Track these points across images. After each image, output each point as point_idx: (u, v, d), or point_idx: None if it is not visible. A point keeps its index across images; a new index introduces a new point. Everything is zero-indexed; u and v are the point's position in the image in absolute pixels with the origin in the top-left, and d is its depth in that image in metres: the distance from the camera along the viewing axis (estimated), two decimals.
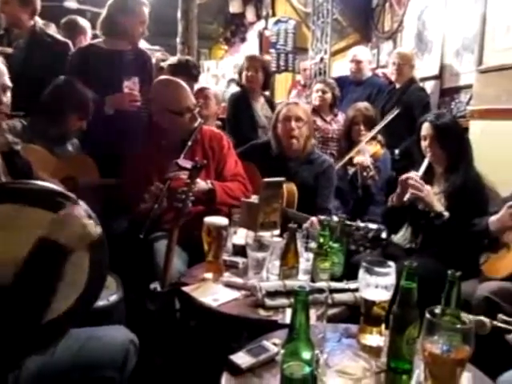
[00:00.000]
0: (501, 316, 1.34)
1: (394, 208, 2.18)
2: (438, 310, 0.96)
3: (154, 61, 3.06)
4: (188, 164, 1.79)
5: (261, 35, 6.53)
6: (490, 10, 2.78)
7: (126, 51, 2.54)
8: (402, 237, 2.32)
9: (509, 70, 2.60)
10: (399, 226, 2.32)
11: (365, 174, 2.67)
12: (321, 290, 1.15)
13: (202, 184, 2.12)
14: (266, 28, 6.55)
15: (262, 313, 1.41)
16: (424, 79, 3.72)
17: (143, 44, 3.25)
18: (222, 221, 1.67)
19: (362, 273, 1.20)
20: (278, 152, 2.57)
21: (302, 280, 1.59)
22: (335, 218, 1.80)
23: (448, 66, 3.56)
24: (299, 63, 5.73)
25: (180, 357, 1.79)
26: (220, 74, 9.15)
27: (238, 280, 1.62)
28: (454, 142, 2.15)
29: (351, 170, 2.82)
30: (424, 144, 2.18)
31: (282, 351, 0.92)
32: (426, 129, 2.18)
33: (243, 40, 8.14)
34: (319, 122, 3.52)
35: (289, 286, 1.45)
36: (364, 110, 2.93)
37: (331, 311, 1.45)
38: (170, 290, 1.64)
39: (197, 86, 3.23)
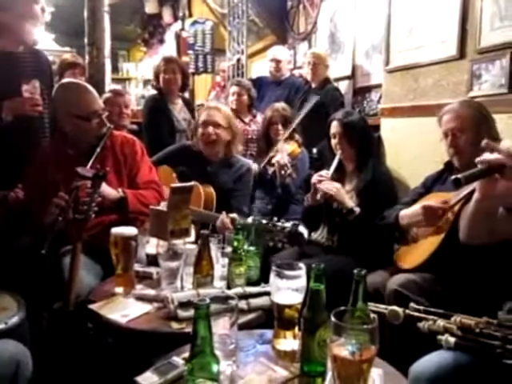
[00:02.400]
0: (412, 305, 1.38)
1: (311, 207, 2.21)
2: (345, 311, 0.95)
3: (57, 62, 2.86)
4: (89, 173, 1.68)
5: (178, 36, 6.41)
6: (394, 13, 2.90)
7: (18, 53, 2.33)
8: (319, 235, 2.35)
9: (412, 69, 2.73)
10: (317, 224, 2.35)
11: (282, 172, 2.68)
12: (229, 298, 1.10)
13: (111, 192, 2.02)
14: (182, 29, 6.44)
15: (175, 325, 1.34)
16: (338, 79, 3.82)
17: (52, 45, 3.03)
18: (129, 231, 1.58)
19: (272, 277, 1.18)
20: (198, 155, 2.52)
21: (217, 287, 1.54)
22: (249, 220, 1.78)
23: (359, 66, 3.69)
24: (219, 64, 5.70)
25: (97, 376, 1.68)
26: (139, 77, 8.91)
27: (151, 292, 1.54)
28: (361, 139, 2.22)
29: (271, 170, 2.82)
30: (333, 142, 2.23)
31: (185, 368, 0.86)
32: (334, 127, 2.23)
33: (161, 41, 7.95)
34: (238, 123, 3.50)
35: (203, 294, 1.39)
36: (281, 110, 2.96)
37: (247, 317, 1.43)
38: (76, 309, 1.52)
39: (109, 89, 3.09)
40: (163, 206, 1.64)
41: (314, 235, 2.38)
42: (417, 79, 2.71)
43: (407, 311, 1.35)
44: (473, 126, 1.80)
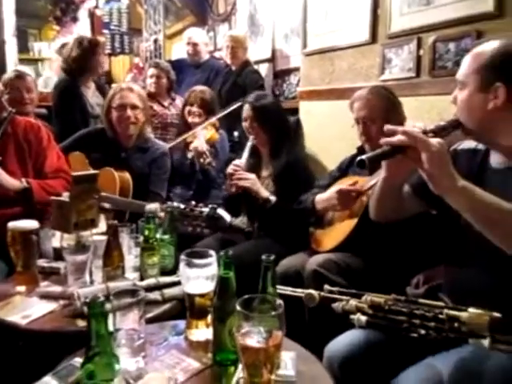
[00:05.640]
0: (326, 287, 1.39)
1: (230, 196, 2.20)
2: (253, 298, 0.92)
3: None
4: None
5: (92, 15, 6.04)
6: None
7: None
8: (241, 221, 2.34)
9: (328, 52, 2.76)
10: (238, 211, 2.34)
11: (201, 160, 2.62)
12: (133, 291, 1.04)
13: (13, 183, 1.86)
14: (96, 7, 6.07)
15: (82, 323, 1.25)
16: (258, 62, 3.80)
17: None
18: (29, 224, 1.45)
19: (182, 266, 1.13)
20: (112, 140, 2.40)
21: (129, 279, 1.47)
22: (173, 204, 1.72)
23: (279, 49, 3.68)
24: (137, 45, 5.46)
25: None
26: (54, 57, 8.31)
27: (57, 289, 1.43)
28: (274, 123, 2.21)
29: (190, 154, 2.75)
30: (245, 125, 2.21)
31: (81, 373, 0.79)
32: (246, 110, 2.21)
33: (75, 20, 7.44)
34: (157, 107, 3.39)
35: (112, 288, 1.31)
36: (200, 94, 2.87)
37: (162, 308, 1.37)
38: None
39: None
40: (66, 197, 1.52)
41: (235, 221, 2.36)
42: (333, 62, 2.75)
43: (322, 293, 1.37)
44: (382, 115, 1.85)
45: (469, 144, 1.30)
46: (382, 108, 1.87)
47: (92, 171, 1.65)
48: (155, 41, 4.43)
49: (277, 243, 2.07)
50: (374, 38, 2.46)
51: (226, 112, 2.90)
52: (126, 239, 1.57)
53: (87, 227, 1.50)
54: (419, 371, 1.04)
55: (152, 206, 1.78)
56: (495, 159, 1.21)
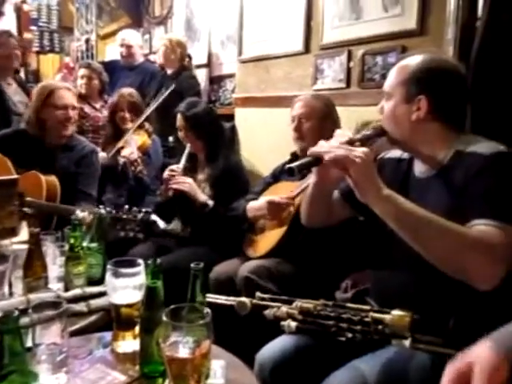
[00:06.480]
0: (258, 294, 1.40)
1: (163, 201, 2.17)
2: (181, 308, 0.90)
3: None
4: None
5: (19, 9, 5.70)
6: (246, 4, 2.95)
7: None
8: (174, 226, 2.30)
9: (264, 60, 2.80)
10: (171, 217, 2.30)
11: (133, 168, 2.55)
12: (56, 303, 0.98)
13: None
14: (24, 1, 5.74)
15: None
16: (195, 67, 3.77)
17: None
18: None
19: (108, 276, 1.09)
20: (35, 140, 2.28)
21: (53, 290, 1.39)
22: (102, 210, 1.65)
23: (215, 54, 3.68)
24: (69, 44, 5.23)
25: None
26: None
27: None
28: (208, 130, 2.21)
29: (122, 160, 2.66)
30: (180, 134, 2.20)
31: None
32: (179, 120, 2.20)
33: (0, 14, 7.01)
34: (88, 109, 3.27)
35: (33, 300, 1.24)
36: (128, 97, 2.79)
37: (87, 320, 1.31)
38: None
39: None
40: None
41: (169, 226, 2.32)
42: (268, 70, 2.79)
43: (254, 301, 1.37)
44: (318, 117, 1.93)
45: (395, 153, 1.37)
46: (320, 111, 1.95)
47: (11, 176, 1.54)
48: (87, 40, 4.27)
49: (211, 250, 2.06)
50: (307, 48, 2.53)
51: (152, 109, 2.85)
52: (50, 248, 1.49)
53: (6, 236, 1.40)
54: (344, 374, 1.07)
55: (80, 213, 1.71)
56: (418, 168, 1.27)
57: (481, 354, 0.73)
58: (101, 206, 1.77)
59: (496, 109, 1.56)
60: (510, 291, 1.03)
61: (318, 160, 1.07)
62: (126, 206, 1.73)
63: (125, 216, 1.69)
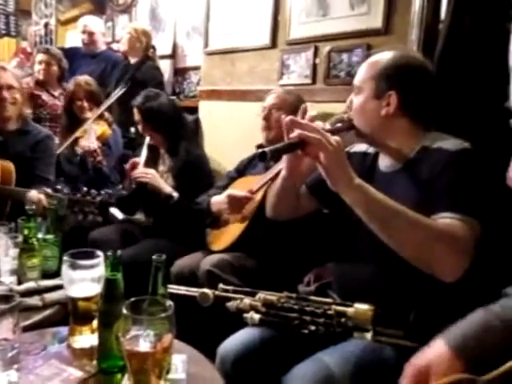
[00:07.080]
0: (221, 286, 1.38)
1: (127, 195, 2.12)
2: (141, 300, 0.87)
3: None
4: None
5: None
6: None
7: None
8: (139, 216, 2.26)
9: (229, 54, 2.77)
10: (135, 210, 2.26)
11: (92, 159, 2.48)
12: (7, 297, 0.93)
13: None
14: None
15: None
16: (159, 57, 3.69)
17: None
18: None
19: (64, 268, 1.04)
20: None
21: (5, 283, 1.32)
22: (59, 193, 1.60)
23: (180, 46, 3.62)
24: (26, 28, 5.01)
25: None
26: None
27: None
28: (165, 123, 2.17)
29: (79, 151, 2.57)
30: (139, 128, 2.16)
31: None
32: (135, 113, 2.15)
33: None
34: (45, 97, 3.15)
35: None
36: (85, 85, 2.69)
37: (42, 314, 1.25)
38: None
39: None
40: None
41: (131, 218, 2.28)
42: (234, 64, 2.76)
43: (217, 292, 1.36)
44: (289, 109, 1.92)
45: (360, 147, 1.38)
46: (291, 104, 1.96)
47: None
48: (46, 25, 4.10)
49: (174, 242, 2.03)
50: (273, 43, 2.52)
51: (111, 100, 2.76)
52: (2, 239, 1.41)
53: None
54: (308, 366, 1.07)
55: (34, 194, 1.64)
56: (384, 162, 1.29)
57: (436, 353, 0.76)
58: (58, 187, 1.71)
59: (456, 109, 1.60)
60: (468, 285, 1.05)
61: (290, 146, 1.06)
62: (85, 188, 1.69)
63: (83, 198, 1.64)
